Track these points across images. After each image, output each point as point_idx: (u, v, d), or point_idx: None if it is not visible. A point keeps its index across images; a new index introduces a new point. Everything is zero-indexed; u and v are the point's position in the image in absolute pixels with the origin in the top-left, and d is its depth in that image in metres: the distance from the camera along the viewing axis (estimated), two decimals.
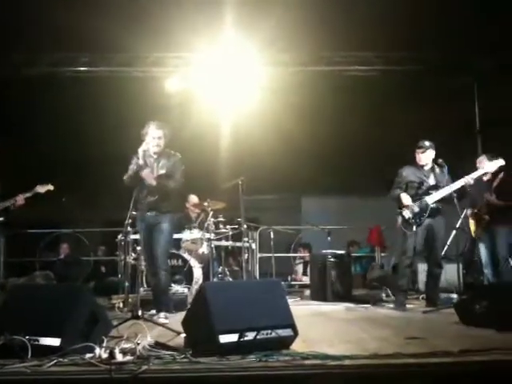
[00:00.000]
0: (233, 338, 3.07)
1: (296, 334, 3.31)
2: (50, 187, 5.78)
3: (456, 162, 6.04)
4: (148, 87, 8.44)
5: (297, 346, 3.29)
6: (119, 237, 6.95)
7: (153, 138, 5.05)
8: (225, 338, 3.05)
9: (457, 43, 8.31)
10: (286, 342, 3.27)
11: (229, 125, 9.08)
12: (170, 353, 3.09)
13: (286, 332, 3.27)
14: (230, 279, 7.38)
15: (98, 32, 7.47)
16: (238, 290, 3.44)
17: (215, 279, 7.11)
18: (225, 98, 8.67)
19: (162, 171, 5.09)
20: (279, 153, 10.01)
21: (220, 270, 7.32)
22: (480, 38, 7.99)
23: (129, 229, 6.11)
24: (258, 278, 8.54)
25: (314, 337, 3.77)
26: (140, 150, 4.98)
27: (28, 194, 5.62)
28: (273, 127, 9.26)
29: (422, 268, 6.98)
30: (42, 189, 5.70)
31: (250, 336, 3.11)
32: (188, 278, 6.50)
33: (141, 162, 4.98)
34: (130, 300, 6.22)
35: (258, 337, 3.13)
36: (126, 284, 6.14)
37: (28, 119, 8.96)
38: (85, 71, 8.31)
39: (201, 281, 6.70)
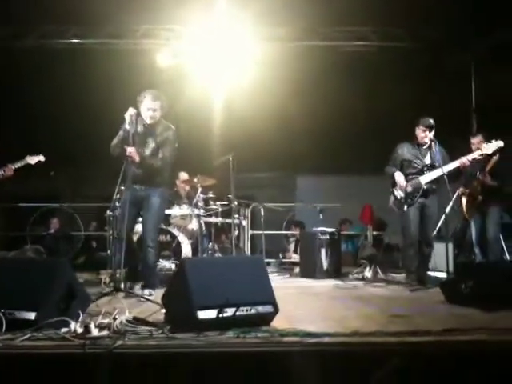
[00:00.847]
0: (211, 313, 3.03)
1: (276, 310, 3.26)
2: (41, 158, 5.55)
3: (450, 140, 5.96)
4: (139, 60, 8.26)
5: (278, 323, 3.24)
6: (108, 212, 6.87)
7: (147, 109, 4.85)
8: (203, 314, 3.01)
9: (455, 21, 8.15)
10: (266, 319, 3.22)
11: (221, 100, 8.93)
12: (147, 328, 3.04)
13: (266, 309, 3.23)
14: (220, 255, 7.34)
15: (88, 4, 7.32)
16: (218, 266, 3.38)
17: (204, 255, 7.08)
18: (217, 72, 8.50)
19: (152, 145, 4.94)
20: (273, 130, 9.88)
21: (210, 246, 7.27)
22: (478, 16, 7.83)
23: (117, 204, 6.04)
24: (248, 254, 8.54)
25: (296, 314, 3.73)
26: (127, 115, 4.75)
27: (18, 165, 5.39)
28: (267, 103, 9.12)
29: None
30: (32, 160, 5.48)
31: (229, 312, 3.07)
32: (176, 254, 6.46)
33: (127, 126, 4.75)
34: (117, 275, 6.18)
35: (237, 313, 3.09)
36: (113, 259, 6.04)
37: (17, 92, 8.82)
38: (74, 43, 8.12)
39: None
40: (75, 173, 10.06)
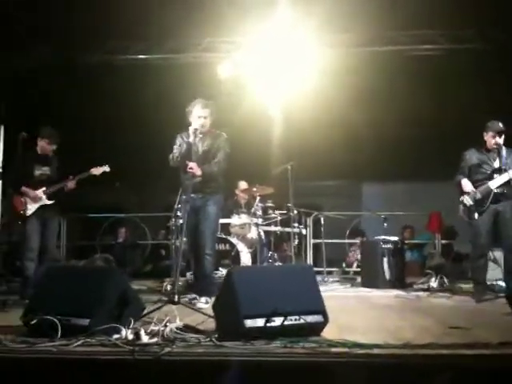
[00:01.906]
0: (259, 322, 3.02)
1: (326, 320, 3.21)
2: (106, 169, 5.65)
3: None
4: (200, 73, 8.42)
5: (329, 333, 3.19)
6: (170, 221, 7.02)
7: (198, 117, 4.92)
8: (251, 323, 3.00)
9: None
10: (316, 329, 3.18)
11: (282, 110, 8.92)
12: (196, 336, 3.07)
13: (315, 318, 3.18)
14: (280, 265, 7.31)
15: (151, 19, 7.57)
16: (266, 274, 3.38)
17: (264, 264, 7.08)
18: (278, 81, 8.49)
19: (206, 151, 5.00)
20: (337, 138, 9.76)
21: (269, 255, 7.26)
22: None
23: (178, 213, 6.15)
24: (311, 263, 8.46)
25: (349, 324, 3.65)
26: (191, 129, 4.85)
27: (81, 176, 5.58)
28: (329, 111, 9.02)
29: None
30: (97, 171, 5.60)
31: (277, 321, 3.04)
32: (236, 263, 6.49)
33: (190, 140, 4.86)
34: (180, 283, 6.31)
35: (285, 322, 3.05)
36: (175, 267, 6.15)
37: (85, 106, 9.22)
38: (138, 59, 8.39)
39: None
40: (139, 184, 10.37)
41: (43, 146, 5.63)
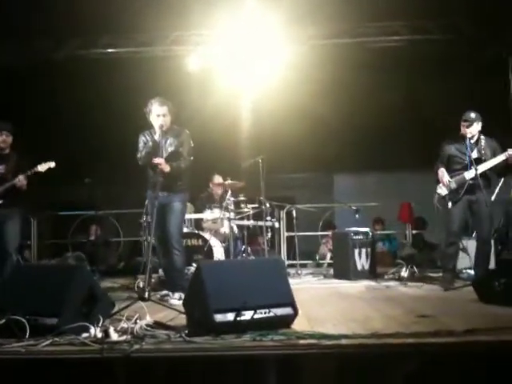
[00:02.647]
0: (229, 317, 3.03)
1: (296, 312, 3.23)
2: (52, 164, 5.45)
3: (492, 134, 5.75)
4: (169, 66, 8.37)
5: (299, 325, 3.22)
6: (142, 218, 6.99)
7: (157, 116, 4.89)
8: (220, 317, 3.02)
9: (489, 14, 7.87)
10: (286, 321, 3.20)
11: (250, 103, 8.93)
12: (165, 332, 3.07)
13: (285, 311, 3.21)
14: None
15: (118, 13, 7.46)
16: (235, 268, 3.39)
17: (238, 258, 7.09)
18: (246, 75, 8.48)
19: (171, 149, 5.00)
20: (305, 130, 9.80)
21: (243, 249, 7.27)
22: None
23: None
24: (285, 257, 8.50)
25: (320, 316, 3.69)
26: (156, 126, 4.86)
27: (28, 173, 5.32)
28: (297, 104, 9.07)
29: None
30: (42, 167, 5.40)
31: (247, 315, 3.06)
32: (209, 258, 6.48)
33: (156, 137, 4.87)
34: (152, 280, 6.28)
35: (255, 316, 3.07)
36: (144, 264, 6.12)
37: (52, 103, 9.08)
38: (105, 53, 8.29)
39: None
40: (110, 180, 10.24)
41: None
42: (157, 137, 4.90)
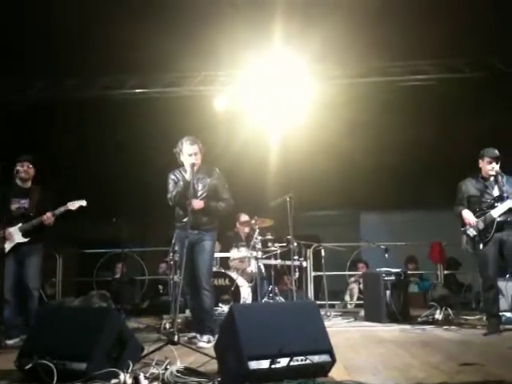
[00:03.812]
0: (264, 364, 2.89)
1: (334, 360, 3.08)
2: (83, 203, 5.31)
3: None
4: (195, 106, 8.43)
5: (336, 373, 3.07)
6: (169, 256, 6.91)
7: (189, 155, 4.84)
8: (255, 365, 2.87)
9: None
10: (323, 369, 3.05)
11: (277, 141, 8.92)
12: (197, 380, 2.94)
13: (322, 358, 3.05)
14: (282, 299, 7.15)
15: (146, 54, 7.59)
16: (269, 312, 3.24)
17: (265, 299, 6.93)
18: (274, 113, 8.51)
19: (205, 188, 4.94)
20: (331, 168, 9.74)
21: (270, 289, 7.10)
22: None
23: (176, 248, 6.03)
24: (312, 297, 8.31)
25: (357, 363, 3.52)
26: (188, 165, 4.81)
27: (57, 212, 5.22)
28: (323, 142, 9.00)
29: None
30: (73, 206, 5.26)
31: (282, 362, 2.91)
32: (235, 298, 6.34)
33: (188, 177, 4.81)
34: (179, 320, 6.16)
35: (291, 363, 2.92)
36: (173, 304, 6.01)
37: (81, 142, 9.20)
38: (133, 93, 8.41)
39: (249, 301, 6.53)
40: (137, 219, 10.26)
41: (18, 170, 5.29)
42: (188, 176, 4.85)
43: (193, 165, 4.79)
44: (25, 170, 5.33)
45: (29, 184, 5.41)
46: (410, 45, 7.73)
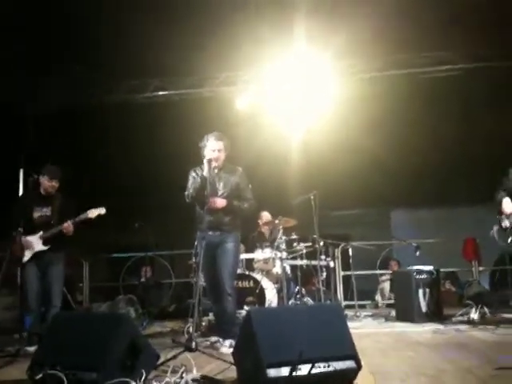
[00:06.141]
0: (283, 371, 2.71)
1: (359, 366, 2.87)
2: (102, 211, 5.23)
3: None
4: (218, 106, 8.34)
5: (363, 381, 2.87)
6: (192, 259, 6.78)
7: (212, 151, 4.72)
8: (274, 372, 2.69)
9: None
10: (347, 377, 2.85)
11: (301, 138, 8.73)
12: None
13: (346, 364, 2.85)
14: (310, 300, 6.94)
15: (168, 56, 7.51)
16: (289, 316, 3.04)
17: (292, 300, 6.74)
18: (296, 111, 8.35)
19: (228, 187, 4.79)
20: (357, 165, 9.53)
21: (296, 290, 6.90)
22: None
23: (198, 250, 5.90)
24: (341, 298, 8.09)
25: (385, 368, 3.31)
26: (205, 160, 4.67)
27: (78, 220, 5.16)
28: (348, 139, 8.82)
29: None
30: (92, 214, 5.19)
31: (303, 370, 2.73)
32: (261, 301, 6.17)
33: (205, 173, 4.65)
34: (203, 323, 6.04)
35: (312, 370, 2.73)
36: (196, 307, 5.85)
37: (103, 146, 9.19)
38: (156, 96, 8.39)
39: (274, 303, 6.35)
40: (162, 222, 10.19)
41: (44, 183, 5.27)
42: (205, 172, 4.69)
43: (210, 160, 4.66)
44: (52, 185, 5.30)
45: (51, 191, 5.36)
46: (435, 37, 7.47)
